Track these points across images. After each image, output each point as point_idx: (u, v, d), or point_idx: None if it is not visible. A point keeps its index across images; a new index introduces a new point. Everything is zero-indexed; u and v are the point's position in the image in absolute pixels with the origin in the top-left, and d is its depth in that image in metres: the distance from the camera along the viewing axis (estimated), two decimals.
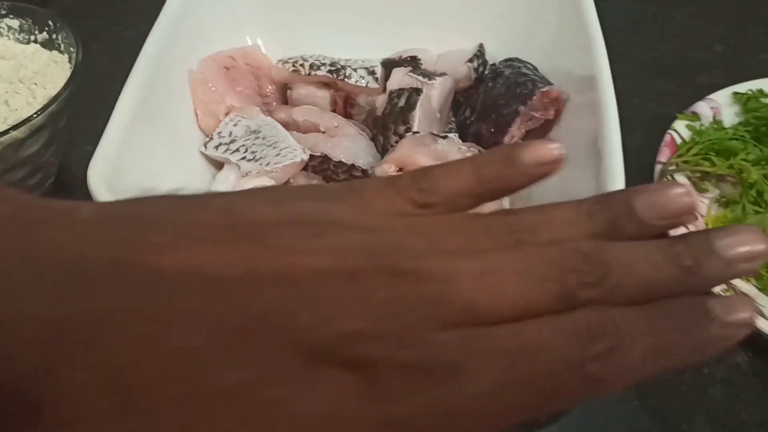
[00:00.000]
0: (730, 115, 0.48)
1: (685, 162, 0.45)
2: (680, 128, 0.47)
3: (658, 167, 0.45)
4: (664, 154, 0.46)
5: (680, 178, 0.45)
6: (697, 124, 0.47)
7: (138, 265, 0.18)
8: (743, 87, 0.49)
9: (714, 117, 0.48)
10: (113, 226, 0.19)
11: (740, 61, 0.54)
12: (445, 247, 0.20)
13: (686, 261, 0.19)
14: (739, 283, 0.39)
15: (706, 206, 0.44)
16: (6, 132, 0.37)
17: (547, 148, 0.21)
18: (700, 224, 0.43)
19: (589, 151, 0.36)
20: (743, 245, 0.19)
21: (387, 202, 0.21)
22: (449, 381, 0.17)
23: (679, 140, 0.47)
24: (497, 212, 0.21)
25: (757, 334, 0.36)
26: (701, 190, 0.45)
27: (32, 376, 0.17)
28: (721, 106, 0.49)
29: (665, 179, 0.44)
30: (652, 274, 0.19)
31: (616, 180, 0.34)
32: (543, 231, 0.20)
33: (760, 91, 0.49)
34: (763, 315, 0.38)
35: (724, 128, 0.47)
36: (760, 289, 0.40)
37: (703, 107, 0.48)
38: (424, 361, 0.17)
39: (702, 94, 0.49)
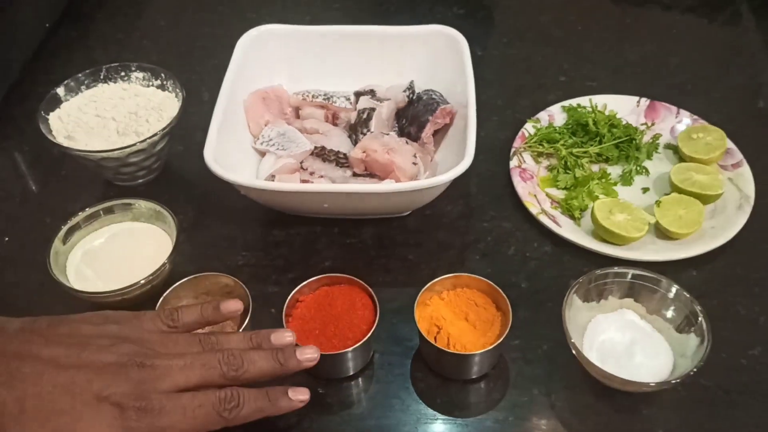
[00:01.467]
0: (561, 120, 0.82)
1: (529, 146, 0.79)
2: (528, 127, 0.81)
3: (513, 149, 0.78)
4: (517, 143, 0.79)
5: (526, 155, 0.78)
6: (537, 125, 0.81)
7: (21, 352, 0.46)
8: (570, 102, 0.83)
9: (549, 121, 0.81)
10: (16, 335, 0.48)
11: (574, 86, 0.87)
12: (174, 350, 0.49)
13: (281, 360, 0.52)
14: (548, 208, 0.73)
15: (540, 171, 0.78)
16: (157, 134, 0.70)
17: (232, 306, 0.56)
18: (536, 182, 0.76)
19: (461, 138, 0.69)
20: (310, 354, 0.53)
21: (154, 323, 0.52)
22: (158, 414, 0.46)
23: (527, 134, 0.80)
24: (206, 333, 0.54)
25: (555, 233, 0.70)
26: (537, 162, 0.78)
27: None
28: (554, 114, 0.82)
29: (517, 157, 0.78)
30: (265, 367, 0.51)
31: (470, 151, 0.66)
32: (224, 342, 0.52)
33: (579, 105, 0.82)
34: (556, 222, 0.71)
35: (554, 127, 0.80)
36: (562, 212, 0.73)
37: (543, 115, 0.82)
38: (147, 406, 0.46)
39: (546, 106, 0.83)
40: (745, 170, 0.75)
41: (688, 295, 0.59)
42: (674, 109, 0.81)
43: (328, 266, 0.70)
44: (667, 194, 0.73)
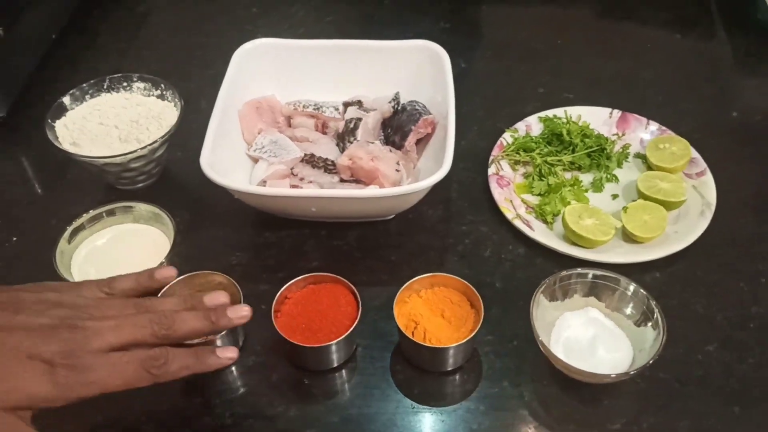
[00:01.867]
0: (537, 130, 0.87)
1: (507, 155, 0.84)
2: (506, 137, 0.85)
3: (491, 158, 0.83)
4: (496, 151, 0.84)
5: (504, 163, 0.83)
6: (515, 135, 0.85)
7: None
8: (547, 113, 0.88)
9: (527, 131, 0.86)
10: None
11: (552, 98, 0.92)
12: (107, 313, 0.52)
13: (213, 318, 0.55)
14: (523, 213, 0.77)
15: (516, 177, 0.82)
16: (157, 141, 0.75)
17: (166, 272, 0.59)
18: (512, 188, 0.81)
19: (442, 147, 0.74)
20: (243, 312, 0.56)
21: (91, 291, 0.55)
22: (87, 370, 0.49)
23: (505, 143, 0.85)
24: (142, 298, 0.56)
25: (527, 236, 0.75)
26: (514, 170, 0.83)
27: None
28: (532, 124, 0.87)
29: (495, 165, 0.82)
30: (197, 325, 0.54)
31: (448, 160, 0.71)
32: (158, 305, 0.54)
33: (555, 116, 0.87)
34: (530, 226, 0.76)
35: (530, 137, 0.85)
36: (536, 217, 0.78)
37: (520, 125, 0.87)
38: (76, 363, 0.49)
39: (525, 117, 0.88)
40: (708, 179, 0.79)
41: (644, 292, 0.64)
42: (644, 120, 0.86)
43: (316, 266, 0.74)
44: (634, 201, 0.78)
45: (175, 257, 0.73)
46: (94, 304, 0.54)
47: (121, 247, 0.72)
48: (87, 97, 0.82)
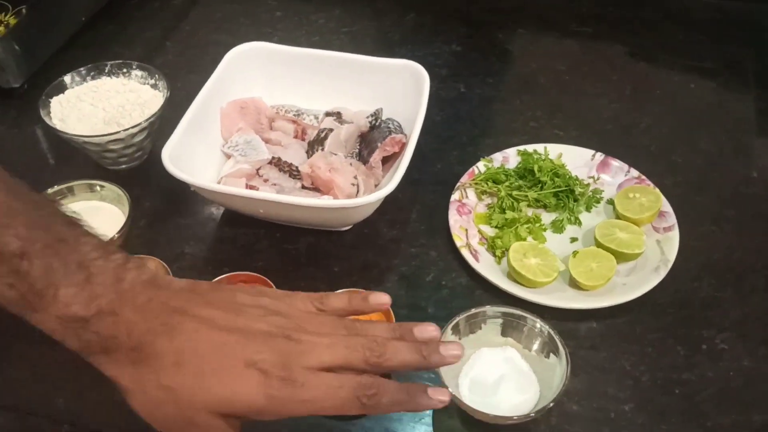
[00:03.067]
0: (514, 163, 0.86)
1: (475, 183, 0.83)
2: (480, 166, 0.85)
3: (458, 184, 0.83)
4: (465, 178, 0.83)
5: (470, 191, 0.83)
6: (489, 164, 0.85)
7: (183, 309, 0.49)
8: (527, 147, 0.87)
9: (502, 162, 0.86)
10: (179, 292, 0.50)
11: (541, 134, 0.91)
12: (321, 330, 0.50)
13: (425, 353, 0.50)
14: (474, 243, 0.77)
15: (478, 207, 0.82)
16: (135, 127, 0.80)
17: (381, 298, 0.55)
18: (471, 217, 0.81)
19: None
20: (454, 350, 0.51)
21: (304, 304, 0.52)
22: (300, 388, 0.47)
23: (477, 172, 0.85)
24: (353, 319, 0.53)
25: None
26: (480, 200, 0.83)
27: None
28: (509, 156, 0.86)
29: (460, 191, 0.82)
30: (407, 358, 0.50)
31: (395, 179, 0.71)
32: (368, 329, 0.51)
33: (535, 151, 0.86)
34: (476, 258, 0.75)
35: (504, 168, 0.84)
36: (487, 249, 0.77)
37: (497, 155, 0.86)
38: (291, 377, 0.47)
39: (507, 148, 0.87)
40: (674, 235, 0.77)
41: (550, 331, 0.63)
42: (626, 167, 0.84)
43: (260, 266, 0.76)
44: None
45: (133, 239, 0.77)
46: (308, 318, 0.52)
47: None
48: (88, 78, 0.88)
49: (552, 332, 0.63)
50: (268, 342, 0.48)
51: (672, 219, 0.78)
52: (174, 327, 0.48)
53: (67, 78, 0.86)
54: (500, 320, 0.65)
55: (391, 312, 0.66)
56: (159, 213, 0.83)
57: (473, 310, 0.64)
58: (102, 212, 0.78)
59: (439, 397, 0.51)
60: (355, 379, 0.48)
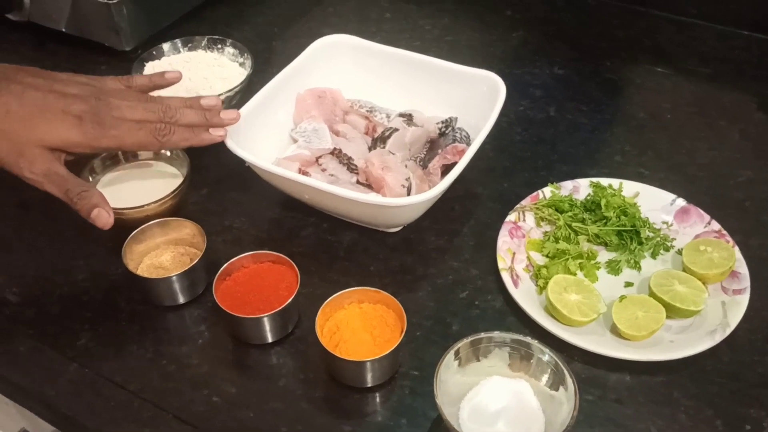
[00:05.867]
0: (585, 194, 0.80)
1: (537, 208, 0.79)
2: (546, 191, 0.80)
3: (518, 205, 0.79)
4: (527, 201, 0.79)
5: (529, 215, 0.78)
6: (557, 191, 0.80)
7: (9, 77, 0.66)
8: (602, 180, 0.81)
9: (572, 192, 0.80)
10: (8, 68, 0.67)
11: (625, 170, 0.84)
12: (126, 98, 0.68)
13: (207, 116, 0.71)
14: (519, 268, 0.72)
15: (534, 232, 0.77)
16: (227, 93, 0.83)
17: (171, 74, 0.76)
18: (524, 241, 0.76)
19: None
20: (232, 115, 0.73)
21: (113, 82, 0.71)
22: (109, 127, 0.66)
23: (541, 197, 0.80)
24: (152, 95, 0.72)
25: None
26: (538, 225, 0.78)
27: None
28: (580, 187, 0.80)
29: (518, 214, 0.78)
30: (194, 119, 0.70)
31: (442, 185, 0.69)
32: (164, 100, 0.70)
33: (610, 185, 0.80)
34: (516, 284, 0.71)
35: (570, 198, 0.79)
36: (531, 277, 0.72)
37: (568, 183, 0.81)
38: (101, 120, 0.66)
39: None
40: (744, 299, 0.68)
41: (561, 363, 0.58)
42: (707, 218, 0.76)
43: (297, 252, 0.76)
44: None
45: (191, 204, 0.80)
46: (116, 91, 0.69)
47: (141, 178, 0.80)
48: (184, 49, 0.92)
49: (561, 363, 0.57)
50: (81, 99, 0.65)
51: (745, 282, 0.70)
52: (2, 89, 0.64)
53: (165, 45, 0.91)
54: (508, 348, 0.60)
55: (405, 316, 0.64)
56: (221, 184, 0.85)
57: (482, 335, 0.60)
58: (164, 174, 0.81)
59: (219, 133, 0.72)
60: (153, 123, 0.67)
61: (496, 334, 0.60)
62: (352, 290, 0.66)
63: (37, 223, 0.81)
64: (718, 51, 1.03)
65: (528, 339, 0.60)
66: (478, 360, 0.61)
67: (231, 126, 0.76)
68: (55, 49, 1.06)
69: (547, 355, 0.59)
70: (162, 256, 0.74)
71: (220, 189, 0.84)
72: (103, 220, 0.65)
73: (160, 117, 0.68)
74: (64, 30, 1.03)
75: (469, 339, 0.60)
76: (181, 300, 0.71)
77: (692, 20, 1.07)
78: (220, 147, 0.88)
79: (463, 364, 0.61)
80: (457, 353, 0.60)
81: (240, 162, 0.76)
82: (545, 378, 0.59)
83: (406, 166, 0.77)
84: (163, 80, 0.75)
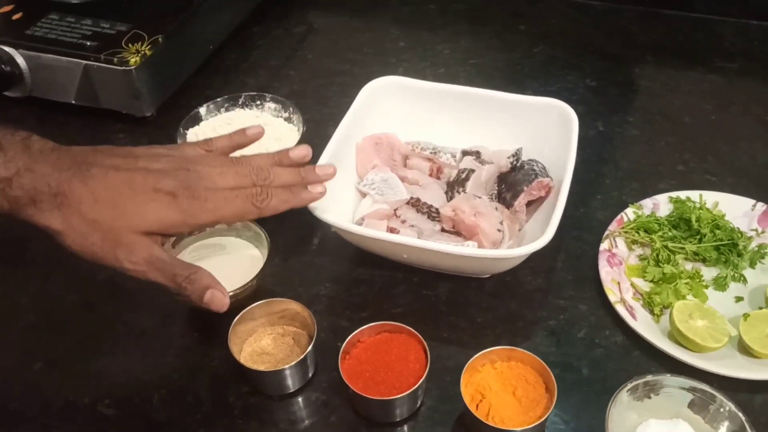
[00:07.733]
0: (666, 211, 0.80)
1: (625, 232, 0.78)
2: (629, 212, 0.79)
3: (607, 232, 0.78)
4: (614, 226, 0.78)
5: (620, 240, 0.77)
6: (639, 212, 0.79)
7: (89, 161, 0.60)
8: (680, 194, 0.81)
9: (653, 210, 0.80)
10: (83, 150, 0.61)
11: (691, 179, 0.85)
12: (212, 164, 0.63)
13: (302, 174, 0.67)
14: (629, 298, 0.71)
15: (630, 258, 0.76)
16: None
17: (254, 129, 0.70)
18: (623, 269, 0.75)
19: (552, 212, 0.70)
20: (328, 169, 0.68)
21: (193, 149, 0.65)
22: (205, 200, 0.60)
23: (626, 219, 0.79)
24: (238, 156, 0.67)
25: None
26: (630, 249, 0.77)
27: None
28: (660, 204, 0.80)
29: (609, 241, 0.77)
30: (289, 179, 0.65)
31: (550, 230, 0.67)
32: (251, 161, 0.65)
33: (689, 198, 0.80)
34: (633, 315, 0.69)
35: (656, 217, 0.78)
36: (642, 306, 0.71)
37: (647, 202, 0.80)
38: (195, 194, 0.60)
39: (656, 194, 0.81)
40: None
41: (742, 416, 0.57)
42: None
43: (399, 312, 0.73)
44: (761, 308, 0.69)
45: (267, 277, 0.75)
46: (199, 157, 0.64)
47: (218, 258, 0.75)
48: (222, 110, 0.87)
49: (745, 421, 0.56)
50: (168, 174, 0.60)
51: None
52: (84, 174, 0.58)
53: (202, 109, 0.86)
54: (683, 392, 0.59)
55: (548, 368, 0.62)
56: (292, 250, 0.80)
57: (651, 377, 0.59)
58: (237, 250, 0.76)
59: (318, 189, 0.67)
60: (248, 189, 0.62)
61: (675, 379, 0.60)
62: (486, 352, 0.63)
63: (116, 321, 0.75)
64: (738, 45, 1.05)
65: (711, 389, 0.59)
66: (646, 400, 0.60)
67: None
68: (64, 121, 0.98)
69: (729, 406, 0.58)
70: (262, 340, 0.69)
71: (292, 255, 0.80)
72: (219, 302, 0.59)
73: (253, 180, 0.63)
74: (73, 102, 0.96)
75: (643, 379, 0.60)
76: (297, 386, 0.67)
77: (706, 16, 1.09)
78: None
79: (636, 401, 0.60)
80: (631, 391, 0.59)
81: (307, 224, 0.73)
82: (723, 429, 0.58)
83: (496, 208, 0.75)
84: (245, 138, 0.69)
